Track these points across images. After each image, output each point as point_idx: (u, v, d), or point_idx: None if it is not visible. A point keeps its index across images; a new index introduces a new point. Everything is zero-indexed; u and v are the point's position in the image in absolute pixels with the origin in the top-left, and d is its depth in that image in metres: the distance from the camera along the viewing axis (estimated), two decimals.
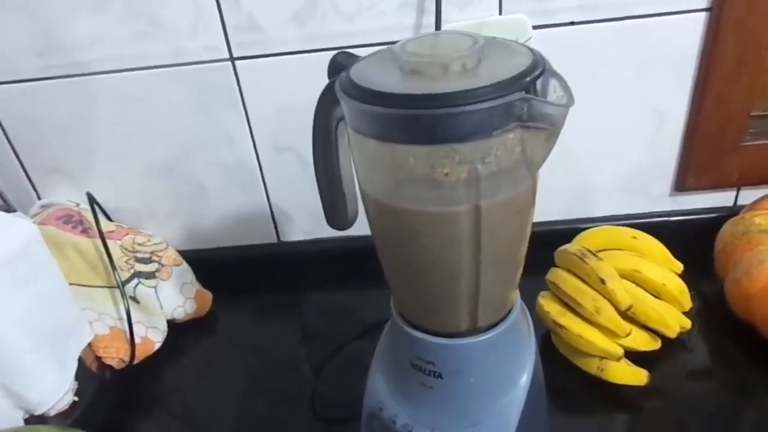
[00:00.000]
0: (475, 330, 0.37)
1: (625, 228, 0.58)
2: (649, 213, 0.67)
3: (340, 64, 0.33)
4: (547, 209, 0.67)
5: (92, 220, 0.60)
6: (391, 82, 0.30)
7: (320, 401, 0.56)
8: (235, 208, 0.69)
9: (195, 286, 0.66)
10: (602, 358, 0.51)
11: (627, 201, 0.67)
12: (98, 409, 0.54)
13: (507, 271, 0.36)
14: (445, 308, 0.36)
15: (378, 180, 0.32)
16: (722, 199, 0.66)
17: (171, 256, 0.64)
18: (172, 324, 0.64)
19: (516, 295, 0.39)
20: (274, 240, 0.71)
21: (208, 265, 0.70)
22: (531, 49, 0.31)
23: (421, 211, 0.31)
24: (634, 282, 0.54)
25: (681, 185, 0.65)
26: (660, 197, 0.67)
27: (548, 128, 0.29)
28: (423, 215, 0.31)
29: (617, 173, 0.65)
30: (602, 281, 0.51)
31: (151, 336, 0.61)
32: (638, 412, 0.50)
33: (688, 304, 0.54)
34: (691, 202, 0.67)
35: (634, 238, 0.57)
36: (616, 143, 0.63)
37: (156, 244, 0.64)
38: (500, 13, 0.55)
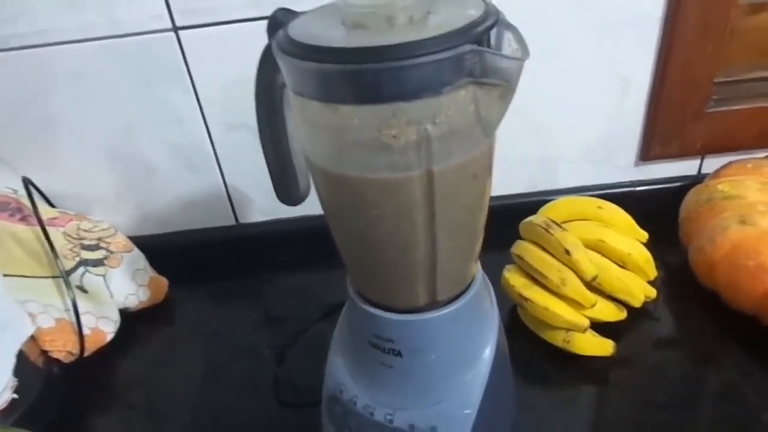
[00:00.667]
0: (434, 305, 0.35)
1: (590, 198, 0.57)
2: (614, 183, 0.66)
3: (280, 21, 0.30)
4: (511, 182, 0.66)
5: (31, 207, 0.57)
6: (332, 36, 0.27)
7: (283, 387, 0.54)
8: (189, 190, 0.66)
9: (148, 273, 0.63)
10: (568, 330, 0.50)
11: (592, 171, 0.66)
12: (45, 405, 0.51)
13: (465, 242, 0.34)
14: (402, 282, 0.34)
15: (323, 147, 0.30)
16: (687, 167, 0.66)
17: (120, 242, 0.61)
18: (125, 313, 0.61)
19: (477, 268, 0.38)
20: (232, 222, 0.68)
21: (164, 250, 0.67)
22: (484, 0, 0.29)
23: (370, 179, 0.29)
24: (599, 252, 0.53)
25: (646, 154, 0.64)
26: (626, 167, 0.66)
27: (503, 84, 0.27)
28: (372, 183, 0.29)
29: (582, 143, 0.64)
30: (567, 252, 0.49)
31: (102, 326, 0.58)
32: (605, 383, 0.49)
33: (653, 273, 0.54)
34: (656, 172, 0.66)
35: (599, 207, 0.56)
36: (580, 111, 0.62)
37: (103, 230, 0.60)
38: None
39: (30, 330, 0.50)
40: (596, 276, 0.49)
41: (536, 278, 0.51)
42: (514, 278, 0.53)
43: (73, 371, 0.55)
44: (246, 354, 0.58)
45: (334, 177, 0.30)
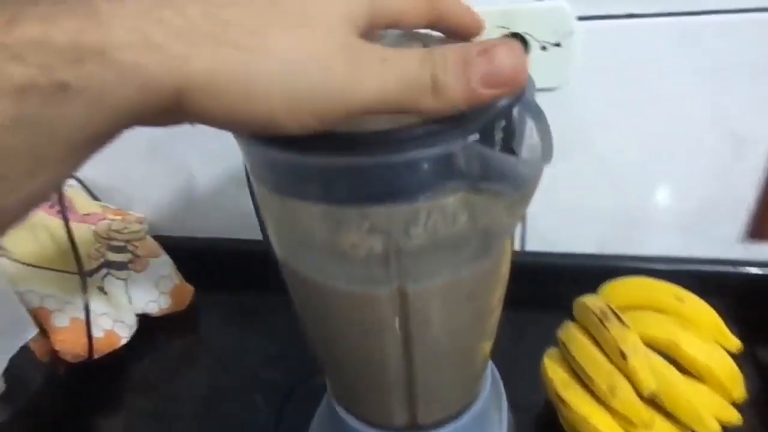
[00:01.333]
0: (414, 427, 0.28)
1: (668, 285, 0.46)
2: (709, 259, 0.54)
3: None
4: (575, 238, 0.56)
5: (75, 200, 0.56)
6: None
7: (285, 428, 0.50)
8: (230, 201, 0.63)
9: (173, 280, 0.60)
10: None
11: (683, 241, 0.54)
12: (42, 403, 0.51)
13: (455, 368, 0.26)
14: (375, 399, 0.27)
15: (277, 234, 0.24)
16: None
17: (148, 246, 0.59)
18: (145, 318, 0.59)
19: (481, 383, 0.30)
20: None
21: (196, 255, 0.65)
22: None
23: (326, 286, 0.22)
24: (669, 355, 0.42)
25: (757, 231, 0.52)
26: (727, 242, 0.53)
27: (511, 194, 0.19)
28: (330, 290, 0.23)
29: (674, 205, 0.53)
30: (623, 355, 0.40)
31: (117, 330, 0.56)
32: None
33: (739, 393, 0.42)
34: (766, 253, 0.53)
35: (679, 299, 0.45)
36: (676, 168, 0.51)
37: (133, 232, 0.58)
38: None
39: (30, 334, 0.49)
40: (656, 391, 0.39)
41: (581, 377, 0.42)
42: (553, 370, 0.44)
43: (80, 372, 0.54)
44: (251, 386, 0.54)
45: (289, 270, 0.24)
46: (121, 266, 0.56)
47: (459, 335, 0.25)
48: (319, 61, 0.17)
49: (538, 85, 0.47)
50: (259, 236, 0.67)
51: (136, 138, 0.57)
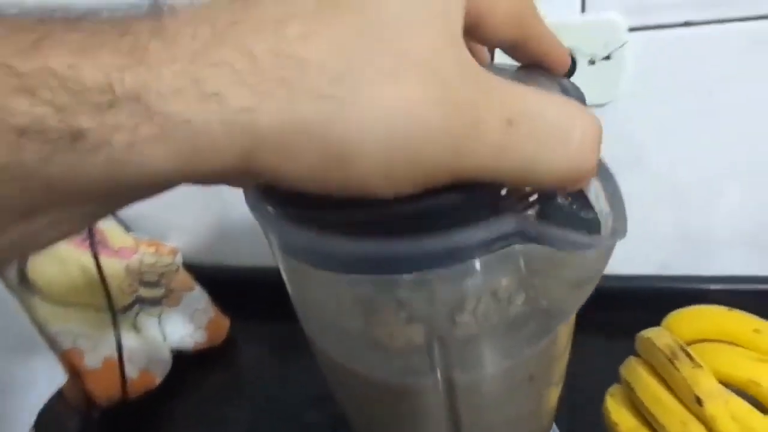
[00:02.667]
0: None
1: (743, 314, 0.41)
2: None
3: None
4: (637, 259, 0.51)
5: (107, 232, 0.55)
6: None
7: None
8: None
9: (208, 314, 0.59)
10: None
11: (757, 260, 0.49)
12: None
13: None
14: None
15: (306, 315, 0.21)
16: None
17: (182, 279, 0.57)
18: (180, 354, 0.57)
19: None
20: None
21: (232, 285, 0.63)
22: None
23: (362, 374, 0.20)
24: (748, 395, 0.38)
25: None
26: None
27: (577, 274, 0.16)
28: (366, 379, 0.20)
29: (742, 222, 0.48)
30: (698, 401, 0.36)
31: (152, 369, 0.55)
32: None
33: None
34: None
35: (757, 331, 0.40)
36: (743, 183, 0.46)
37: (167, 266, 0.57)
38: (582, 11, 0.40)
39: (61, 382, 0.48)
40: None
41: (650, 421, 0.38)
42: (618, 413, 0.40)
43: (115, 415, 0.53)
44: (295, 424, 0.51)
45: (319, 350, 0.21)
46: (154, 302, 0.55)
47: (518, 419, 0.21)
48: (427, 117, 0.13)
49: (587, 102, 0.43)
50: None
51: None
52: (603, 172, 0.17)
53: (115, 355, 0.53)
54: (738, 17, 0.38)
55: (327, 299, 0.18)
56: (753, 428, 0.36)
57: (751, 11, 0.37)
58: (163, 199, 0.55)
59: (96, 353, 0.52)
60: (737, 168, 0.45)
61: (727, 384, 0.37)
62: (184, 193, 0.57)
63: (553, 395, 0.22)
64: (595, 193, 0.17)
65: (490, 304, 0.17)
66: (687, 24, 0.38)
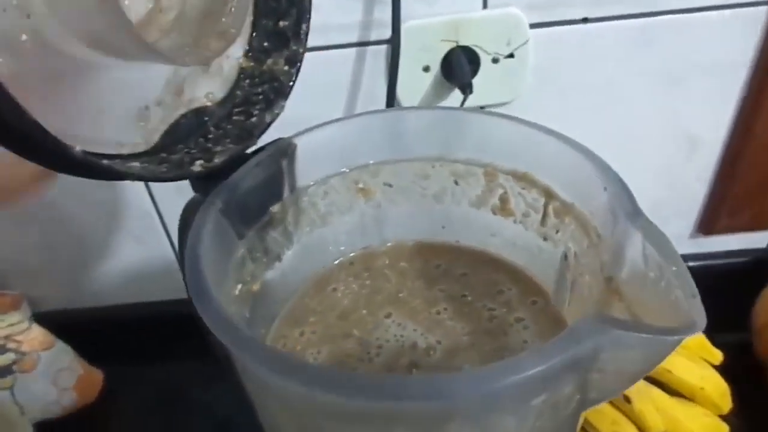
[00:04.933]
0: None
1: None
2: None
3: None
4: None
5: None
6: None
7: None
8: (130, 258, 0.52)
9: (76, 371, 0.49)
10: None
11: None
12: None
13: None
14: None
15: None
16: (754, 239, 0.53)
17: (36, 338, 0.47)
18: (45, 424, 0.48)
19: None
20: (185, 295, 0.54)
21: (100, 328, 0.54)
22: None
23: None
24: (658, 380, 0.40)
25: (708, 226, 0.51)
26: (679, 238, 0.53)
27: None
28: None
29: None
30: (626, 399, 0.37)
31: None
32: None
33: (728, 406, 0.41)
34: (714, 245, 0.53)
35: None
36: (632, 170, 0.48)
37: (12, 325, 0.46)
38: (485, 6, 0.38)
39: None
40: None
41: (582, 425, 0.39)
42: None
43: None
44: None
45: None
46: (3, 372, 0.44)
47: None
48: None
49: (491, 101, 0.41)
50: (174, 295, 0.57)
51: None
52: (642, 223, 0.15)
53: None
54: (625, 14, 0.39)
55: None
56: (676, 418, 0.38)
57: (634, 9, 0.39)
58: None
59: None
60: (623, 157, 0.47)
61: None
62: (20, 228, 0.46)
63: None
64: (637, 244, 0.15)
65: (549, 413, 0.14)
66: (585, 20, 0.39)
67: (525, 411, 0.17)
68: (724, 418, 0.41)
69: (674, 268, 0.19)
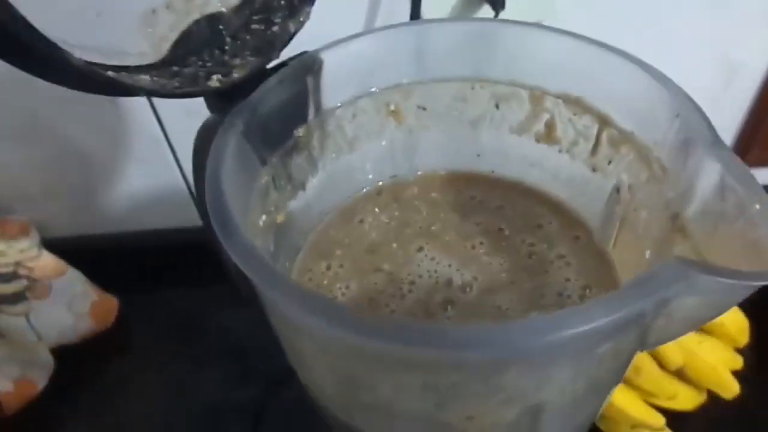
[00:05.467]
0: None
1: None
2: None
3: None
4: None
5: None
6: None
7: None
8: (139, 185, 0.50)
9: (90, 297, 0.48)
10: (634, 426, 0.38)
11: None
12: None
13: None
14: None
15: (323, 385, 0.15)
16: None
17: (48, 264, 0.46)
18: (63, 348, 0.47)
19: None
20: (199, 222, 0.53)
21: (112, 255, 0.53)
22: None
23: None
24: None
25: (744, 155, 0.49)
26: None
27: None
28: None
29: None
30: None
31: (31, 375, 0.45)
32: None
33: (745, 340, 0.41)
34: None
35: None
36: None
37: (22, 251, 0.45)
38: None
39: None
40: (683, 366, 0.36)
41: None
42: None
43: None
44: (215, 404, 0.45)
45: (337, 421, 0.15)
46: (15, 299, 0.44)
47: None
48: None
49: (522, 17, 0.38)
50: (188, 222, 0.55)
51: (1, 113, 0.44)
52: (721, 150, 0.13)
53: None
54: None
55: (373, 379, 0.13)
56: (692, 352, 0.38)
57: None
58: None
59: None
60: None
61: None
62: (24, 150, 0.44)
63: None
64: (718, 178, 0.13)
65: (609, 360, 0.12)
66: None
67: (588, 359, 0.15)
68: (740, 351, 0.41)
69: (758, 206, 0.17)
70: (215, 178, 0.19)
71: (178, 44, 0.22)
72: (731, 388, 0.39)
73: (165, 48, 0.22)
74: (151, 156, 0.48)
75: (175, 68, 0.22)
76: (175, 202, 0.52)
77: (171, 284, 0.54)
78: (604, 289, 0.24)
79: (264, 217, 0.23)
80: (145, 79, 0.20)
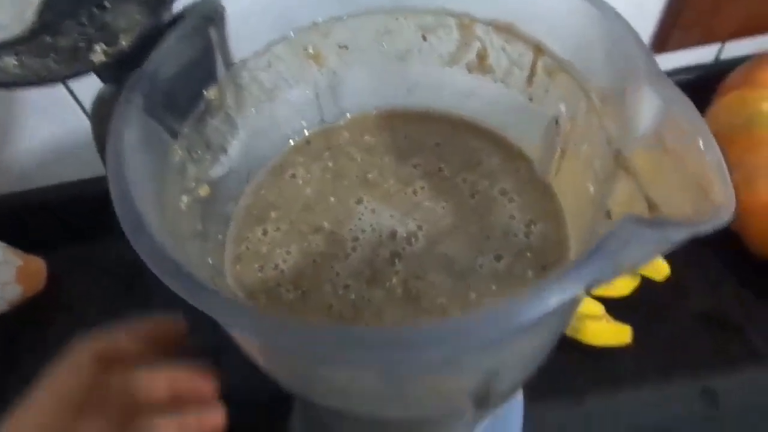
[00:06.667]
0: None
1: None
2: None
3: None
4: None
5: None
6: None
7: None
8: (47, 135, 0.46)
9: (14, 263, 0.45)
10: (578, 319, 0.41)
11: None
12: None
13: None
14: None
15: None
16: (702, 55, 0.51)
17: None
18: None
19: None
20: None
21: (31, 214, 0.49)
22: None
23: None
24: None
25: (662, 42, 0.49)
26: None
27: None
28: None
29: None
30: None
31: None
32: (622, 378, 0.41)
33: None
34: (667, 62, 0.51)
35: None
36: None
37: None
38: None
39: None
40: None
41: None
42: None
43: None
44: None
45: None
46: None
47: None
48: None
49: None
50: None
51: None
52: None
53: None
54: None
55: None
56: None
57: None
58: None
59: None
60: None
61: None
62: None
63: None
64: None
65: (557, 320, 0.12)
66: None
67: (542, 327, 0.15)
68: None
69: (701, 140, 0.16)
70: (117, 174, 0.17)
71: (45, 6, 0.19)
72: (661, 271, 0.42)
73: (29, 14, 0.18)
74: (53, 104, 0.43)
75: (48, 39, 0.18)
76: (89, 149, 0.47)
77: (98, 236, 0.50)
78: (548, 222, 0.24)
79: (185, 197, 0.21)
80: (9, 61, 0.17)
